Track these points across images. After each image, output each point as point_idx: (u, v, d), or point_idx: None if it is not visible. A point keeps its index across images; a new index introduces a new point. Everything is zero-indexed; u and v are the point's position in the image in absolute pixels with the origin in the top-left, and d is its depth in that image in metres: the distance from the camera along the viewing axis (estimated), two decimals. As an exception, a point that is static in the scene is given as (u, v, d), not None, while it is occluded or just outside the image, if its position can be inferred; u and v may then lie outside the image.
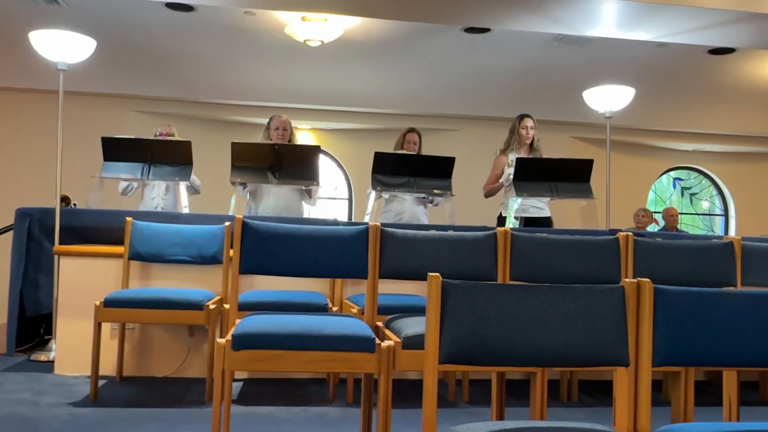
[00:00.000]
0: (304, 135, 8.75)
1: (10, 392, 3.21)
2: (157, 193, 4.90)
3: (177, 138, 4.82)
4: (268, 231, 2.49)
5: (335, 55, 7.15)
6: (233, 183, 4.28)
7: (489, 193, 5.04)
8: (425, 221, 4.89)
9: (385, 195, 4.74)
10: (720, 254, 2.99)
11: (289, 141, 4.74)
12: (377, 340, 2.18)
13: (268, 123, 4.81)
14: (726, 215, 9.92)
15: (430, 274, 1.48)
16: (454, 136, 8.50)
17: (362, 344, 2.16)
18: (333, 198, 9.09)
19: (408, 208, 4.84)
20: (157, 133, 4.91)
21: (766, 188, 9.59)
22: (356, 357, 2.15)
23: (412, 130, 5.02)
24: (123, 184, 4.84)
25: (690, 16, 5.38)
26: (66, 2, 6.14)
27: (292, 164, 4.24)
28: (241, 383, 3.56)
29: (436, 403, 1.47)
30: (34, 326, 4.18)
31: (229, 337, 2.15)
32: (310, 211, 4.83)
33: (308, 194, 4.70)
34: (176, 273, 3.73)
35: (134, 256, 3.63)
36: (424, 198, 4.85)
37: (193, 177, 4.84)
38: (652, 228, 9.21)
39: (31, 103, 7.70)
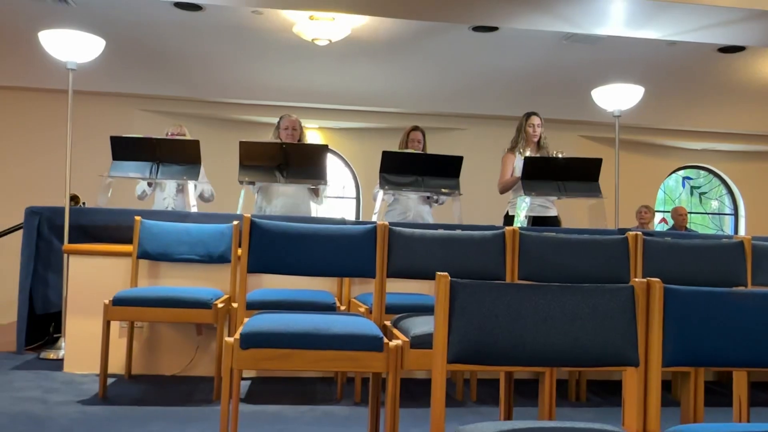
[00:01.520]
0: (312, 134, 8.76)
1: (19, 390, 3.22)
2: (168, 193, 4.92)
3: (188, 137, 4.84)
4: (276, 230, 2.49)
5: (343, 54, 7.15)
6: (241, 182, 4.29)
7: (504, 189, 5.00)
8: (430, 220, 4.88)
9: (388, 199, 4.74)
10: (730, 254, 2.97)
11: (299, 140, 4.74)
12: (385, 340, 2.18)
13: (278, 122, 4.81)
14: (736, 214, 9.86)
15: (439, 273, 1.47)
16: (462, 135, 8.49)
17: (370, 343, 2.15)
18: (341, 197, 9.10)
19: (413, 207, 4.83)
20: (169, 133, 4.92)
21: (776, 187, 9.53)
22: (364, 356, 2.15)
23: (415, 128, 5.01)
24: (139, 189, 4.87)
25: (699, 14, 5.35)
26: (75, 2, 6.17)
27: (300, 163, 4.24)
28: (249, 382, 3.57)
29: (444, 402, 1.47)
30: (44, 324, 4.21)
31: (237, 335, 2.15)
32: (317, 210, 4.84)
33: (315, 193, 4.71)
34: (184, 272, 3.75)
35: (143, 254, 3.64)
36: (428, 197, 4.84)
37: (206, 186, 4.87)
38: (661, 227, 9.18)
39: (40, 103, 7.74)
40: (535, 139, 4.93)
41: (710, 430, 1.42)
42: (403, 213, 4.82)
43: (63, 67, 4.26)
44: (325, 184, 4.36)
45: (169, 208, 4.86)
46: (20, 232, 4.17)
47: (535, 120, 4.93)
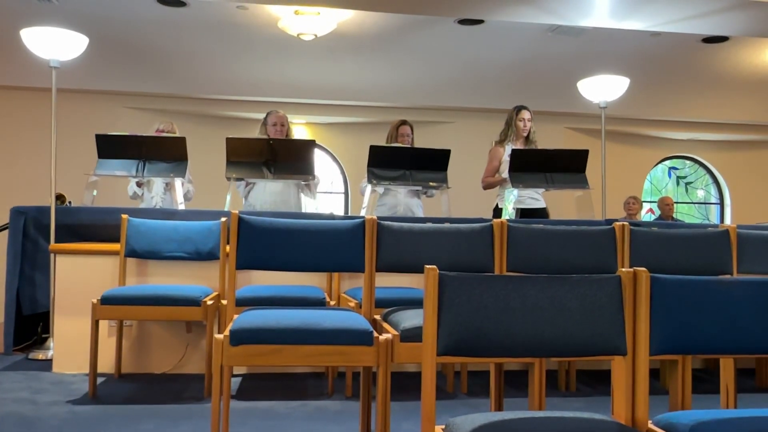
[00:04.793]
0: (299, 129, 8.73)
1: (8, 391, 3.20)
2: (156, 192, 4.89)
3: (174, 134, 4.80)
4: (264, 226, 2.49)
5: (329, 48, 7.12)
6: (228, 178, 4.27)
7: (488, 186, 5.04)
8: (420, 213, 4.89)
9: (380, 189, 4.74)
10: (716, 242, 3.00)
11: (287, 136, 4.74)
12: (375, 334, 2.18)
13: (265, 118, 4.81)
14: (721, 204, 9.94)
15: (427, 266, 1.47)
16: (449, 129, 8.49)
17: (360, 338, 2.16)
18: (329, 192, 9.09)
19: (402, 201, 4.83)
20: (157, 129, 4.88)
21: (761, 176, 9.61)
22: (354, 350, 2.15)
23: (404, 122, 5.01)
24: (130, 191, 4.85)
25: (683, 5, 5.38)
26: (57, -1, 6.11)
27: (288, 159, 4.23)
28: (239, 378, 3.57)
29: (434, 395, 1.47)
30: (32, 325, 4.18)
31: (227, 332, 2.14)
32: (306, 204, 4.84)
33: (308, 188, 4.70)
34: (173, 269, 3.73)
35: (130, 253, 3.62)
36: (417, 190, 4.85)
37: (191, 187, 4.84)
38: (647, 217, 9.24)
39: (24, 102, 7.66)
40: (525, 134, 4.93)
41: (698, 417, 1.44)
42: (393, 207, 4.83)
43: (46, 65, 4.21)
44: (313, 179, 4.36)
45: (158, 206, 4.84)
46: (6, 232, 4.13)
47: (525, 114, 4.93)
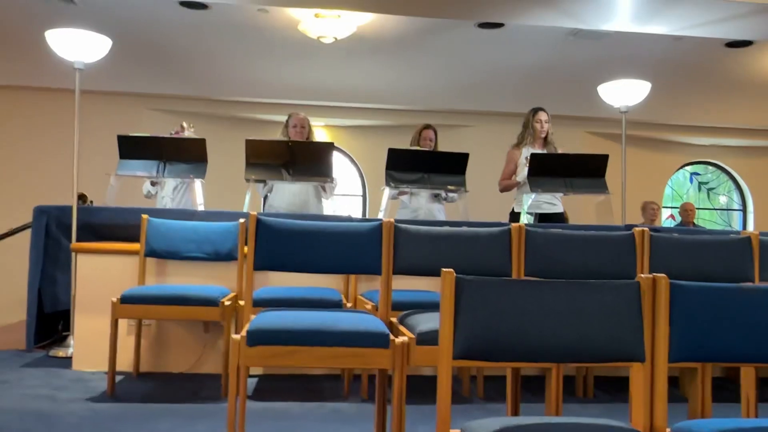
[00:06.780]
0: (318, 132, 8.76)
1: (29, 388, 3.25)
2: (166, 192, 4.93)
3: (192, 136, 4.85)
4: (282, 227, 2.50)
5: (348, 51, 7.14)
6: (248, 180, 4.30)
7: (504, 189, 5.03)
8: (442, 218, 4.89)
9: (405, 198, 4.75)
10: (738, 249, 2.96)
11: (308, 138, 4.77)
12: (391, 336, 2.18)
13: (287, 120, 4.85)
14: (744, 210, 9.81)
15: (444, 269, 1.47)
16: (468, 132, 8.47)
17: (376, 340, 2.16)
18: (347, 194, 9.10)
19: (424, 205, 4.84)
20: (172, 132, 4.94)
21: (785, 183, 9.47)
22: (370, 353, 2.15)
23: (427, 126, 5.01)
24: (145, 189, 4.90)
25: (706, 9, 5.32)
26: (82, 1, 6.19)
27: (307, 161, 4.24)
28: (256, 379, 3.58)
29: (450, 399, 1.47)
30: (53, 323, 4.23)
31: (244, 333, 2.16)
32: (326, 205, 4.86)
33: (323, 189, 4.72)
34: (191, 270, 3.76)
35: (150, 253, 3.65)
36: (437, 195, 4.85)
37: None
38: (668, 223, 9.14)
39: (47, 102, 7.76)
40: (543, 135, 4.91)
41: (717, 426, 1.42)
42: (414, 211, 4.84)
43: (70, 66, 4.27)
44: (332, 181, 4.37)
45: (167, 207, 4.88)
46: (29, 231, 4.19)
47: (542, 116, 4.90)
